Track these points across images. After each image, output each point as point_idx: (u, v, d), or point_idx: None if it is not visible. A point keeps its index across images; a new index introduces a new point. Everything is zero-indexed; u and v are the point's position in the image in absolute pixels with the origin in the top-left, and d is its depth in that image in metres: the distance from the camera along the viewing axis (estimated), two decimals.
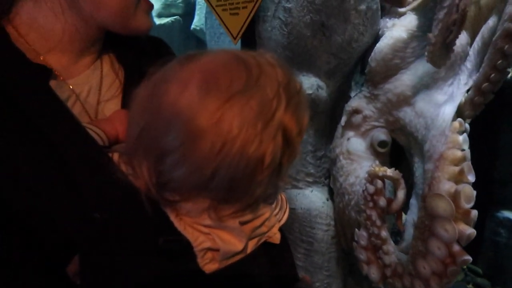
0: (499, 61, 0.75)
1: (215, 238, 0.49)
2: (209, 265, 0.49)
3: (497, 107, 1.43)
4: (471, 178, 0.73)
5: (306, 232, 1.10)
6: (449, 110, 0.82)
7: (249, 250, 0.53)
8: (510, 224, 1.45)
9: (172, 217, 0.48)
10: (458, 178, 0.73)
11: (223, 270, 0.50)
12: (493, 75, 0.78)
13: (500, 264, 1.49)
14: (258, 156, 0.46)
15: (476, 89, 0.82)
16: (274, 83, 0.48)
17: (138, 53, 0.68)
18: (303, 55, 1.01)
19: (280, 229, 0.61)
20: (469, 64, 0.87)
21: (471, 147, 0.80)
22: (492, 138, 1.30)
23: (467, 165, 0.73)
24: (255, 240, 0.54)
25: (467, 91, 0.84)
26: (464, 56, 0.88)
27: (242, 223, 0.51)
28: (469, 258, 0.71)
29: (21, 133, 0.47)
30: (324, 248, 1.08)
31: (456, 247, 0.72)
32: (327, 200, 1.09)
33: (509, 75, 1.37)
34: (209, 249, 0.49)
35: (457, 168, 0.74)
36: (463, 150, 0.75)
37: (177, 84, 0.47)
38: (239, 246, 0.50)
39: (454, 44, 0.71)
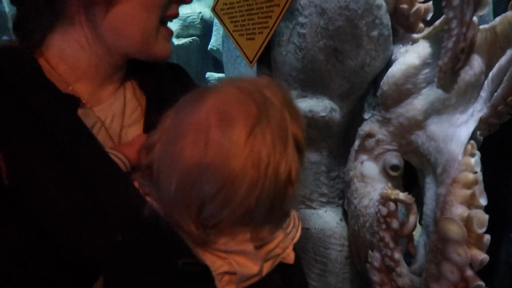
0: None
1: (232, 262, 0.51)
2: (226, 287, 0.51)
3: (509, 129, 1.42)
4: (483, 201, 0.73)
5: (320, 252, 1.11)
6: (463, 135, 0.83)
7: (264, 272, 0.55)
8: None
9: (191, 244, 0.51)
10: (470, 202, 0.74)
11: None
12: (510, 97, 0.79)
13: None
14: (287, 173, 0.50)
15: (492, 110, 0.83)
16: (277, 103, 0.52)
17: (158, 79, 0.71)
18: (316, 79, 1.04)
19: (294, 249, 0.63)
20: (484, 92, 0.89)
21: (485, 168, 0.81)
22: (507, 159, 1.29)
23: (479, 188, 0.74)
24: (270, 262, 0.56)
25: None
26: (478, 84, 0.90)
27: (257, 247, 0.53)
28: (482, 283, 0.72)
29: (51, 158, 0.51)
30: (338, 269, 1.09)
31: (469, 272, 0.73)
32: (341, 220, 1.10)
33: None
34: (226, 272, 0.51)
35: (469, 192, 0.75)
36: (475, 172, 0.76)
37: (197, 133, 0.49)
38: (255, 269, 0.53)
39: (462, 68, 0.73)
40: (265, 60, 1.13)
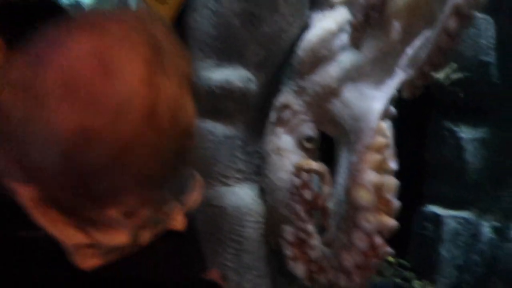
0: (444, 41, 0.74)
1: (92, 232, 0.43)
2: (88, 261, 0.43)
3: (425, 108, 1.49)
4: (393, 165, 0.73)
5: (235, 230, 1.06)
6: (378, 104, 0.82)
7: (143, 240, 0.48)
8: (435, 219, 1.51)
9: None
10: (381, 167, 0.73)
11: (111, 265, 0.44)
12: (436, 56, 0.77)
13: (426, 258, 1.55)
14: (188, 124, 0.45)
15: (418, 71, 0.79)
16: (168, 43, 0.44)
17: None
18: (232, 46, 0.98)
19: (190, 217, 0.56)
20: (403, 60, 0.87)
21: (399, 144, 0.81)
22: (419, 136, 1.35)
23: (389, 152, 0.73)
24: (150, 229, 0.49)
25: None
26: (395, 53, 0.89)
27: (128, 213, 0.46)
28: (390, 251, 0.71)
29: None
30: (253, 247, 1.05)
31: (378, 240, 0.72)
32: (257, 197, 1.06)
33: (441, 76, 1.43)
34: (86, 245, 0.43)
35: (380, 157, 0.74)
36: (386, 137, 0.76)
37: (71, 89, 0.39)
38: (122, 238, 0.45)
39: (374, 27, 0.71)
40: (178, 26, 1.05)
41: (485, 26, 1.38)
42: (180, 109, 0.42)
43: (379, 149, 0.76)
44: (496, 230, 1.50)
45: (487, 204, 1.49)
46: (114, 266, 0.45)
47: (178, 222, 0.52)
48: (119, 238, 0.45)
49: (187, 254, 0.58)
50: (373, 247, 0.72)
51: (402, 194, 0.78)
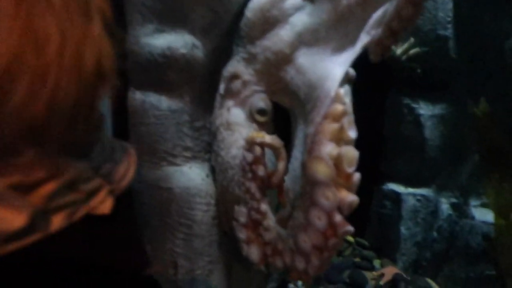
0: None
1: None
2: None
3: (383, 84, 1.44)
4: (352, 134, 0.66)
5: (184, 213, 0.96)
6: (336, 72, 0.74)
7: (53, 227, 0.37)
8: (395, 197, 1.49)
9: None
10: (339, 136, 0.66)
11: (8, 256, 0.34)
12: (406, 9, 0.69)
13: (385, 236, 1.53)
14: (95, 60, 0.35)
15: (386, 29, 0.71)
16: None
17: None
18: (175, 8, 0.87)
19: (120, 199, 0.46)
20: (368, 25, 0.79)
21: (356, 121, 0.74)
22: (377, 113, 1.31)
23: (348, 119, 0.65)
24: (63, 213, 0.38)
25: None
26: (353, 18, 0.81)
27: (26, 188, 0.35)
28: (350, 229, 0.64)
29: None
30: (204, 231, 0.96)
31: (338, 217, 0.65)
32: (207, 176, 0.96)
33: (398, 51, 1.38)
34: None
35: (338, 126, 0.66)
36: (345, 104, 0.68)
37: None
38: (16, 221, 0.34)
39: None
40: None
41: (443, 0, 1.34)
42: (78, 36, 0.32)
43: (337, 118, 0.68)
44: (454, 206, 1.50)
45: (445, 181, 1.48)
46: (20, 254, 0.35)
47: (103, 204, 0.42)
48: (10, 221, 0.34)
49: (116, 245, 0.48)
50: (332, 225, 0.65)
51: (360, 172, 0.71)
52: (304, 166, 0.71)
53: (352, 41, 0.80)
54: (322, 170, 0.65)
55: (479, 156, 1.27)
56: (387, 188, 1.50)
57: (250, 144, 0.75)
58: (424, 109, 1.40)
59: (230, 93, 0.89)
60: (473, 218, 1.47)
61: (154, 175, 0.96)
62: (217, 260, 0.99)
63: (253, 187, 0.77)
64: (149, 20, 0.90)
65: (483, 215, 1.44)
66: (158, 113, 0.94)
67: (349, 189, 0.68)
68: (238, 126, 0.88)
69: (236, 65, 0.87)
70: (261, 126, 0.91)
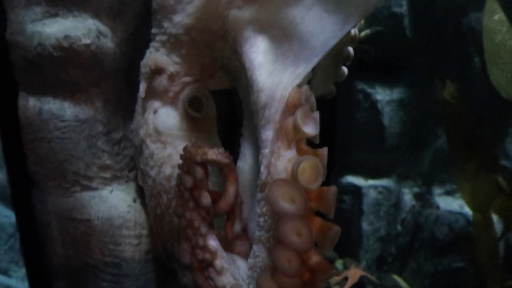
0: None
1: None
2: None
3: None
4: (309, 129, 0.49)
5: (109, 251, 0.77)
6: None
7: None
8: (353, 190, 1.38)
9: None
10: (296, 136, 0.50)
11: None
12: None
13: (346, 234, 1.42)
14: None
15: None
16: None
17: None
18: None
19: None
20: None
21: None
22: (330, 101, 1.17)
23: (301, 112, 0.49)
24: None
25: None
26: None
27: None
28: (334, 271, 0.47)
29: None
30: (137, 270, 0.78)
31: (315, 259, 0.48)
32: (134, 201, 0.76)
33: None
34: None
35: (299, 131, 0.49)
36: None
37: None
38: None
39: None
40: None
41: None
42: None
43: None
44: (417, 196, 1.41)
45: (406, 170, 1.39)
46: None
47: None
48: None
49: None
50: (309, 269, 0.48)
51: None
52: (261, 189, 0.53)
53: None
54: (288, 197, 0.48)
55: (449, 145, 1.17)
56: (345, 181, 1.38)
57: (189, 164, 0.55)
58: (381, 94, 1.28)
59: (154, 93, 0.68)
60: (437, 207, 1.40)
61: (66, 204, 0.77)
62: None
63: (196, 219, 0.58)
64: (36, 1, 0.67)
65: (448, 204, 1.37)
66: (62, 124, 0.74)
67: (326, 209, 0.51)
68: (170, 136, 0.68)
69: (155, 55, 0.66)
70: (200, 127, 0.72)
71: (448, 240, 1.35)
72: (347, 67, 0.94)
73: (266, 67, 0.56)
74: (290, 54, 0.57)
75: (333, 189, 0.51)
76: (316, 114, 0.54)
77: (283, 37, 0.58)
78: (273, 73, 0.55)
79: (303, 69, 0.55)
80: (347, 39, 0.82)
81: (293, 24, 0.57)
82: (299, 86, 0.55)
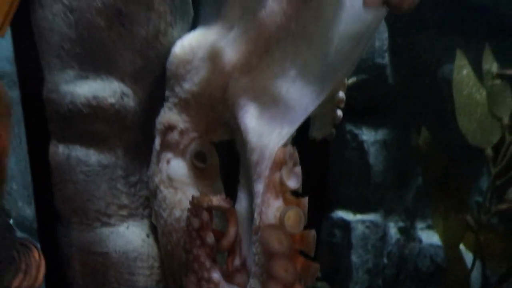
0: None
1: None
2: None
3: None
4: (292, 183, 0.61)
5: (124, 280, 0.86)
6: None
7: None
8: (343, 224, 1.46)
9: None
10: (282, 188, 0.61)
11: None
12: None
13: (337, 266, 1.50)
14: None
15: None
16: None
17: None
18: (99, 53, 0.77)
19: None
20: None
21: (301, 151, 0.69)
22: (321, 141, 1.28)
23: (286, 169, 0.60)
24: None
25: None
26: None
27: None
28: None
29: None
30: None
31: None
32: (148, 237, 0.86)
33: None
34: None
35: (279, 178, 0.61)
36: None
37: None
38: None
39: None
40: (24, 26, 0.80)
41: (380, 29, 1.36)
42: None
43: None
44: (401, 230, 1.50)
45: (392, 205, 1.48)
46: None
47: None
48: None
49: None
50: None
51: (308, 202, 0.66)
52: (255, 232, 0.64)
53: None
54: (277, 240, 0.59)
55: (424, 186, 1.28)
56: (336, 216, 1.47)
57: (196, 209, 0.67)
58: (367, 135, 1.39)
59: (167, 146, 0.80)
60: (420, 241, 1.49)
61: (86, 238, 0.86)
62: None
63: (202, 255, 0.68)
64: (69, 64, 0.79)
65: (429, 237, 1.46)
66: (86, 169, 0.83)
67: (307, 250, 0.62)
68: (180, 183, 0.79)
69: (169, 114, 0.78)
70: (205, 175, 0.83)
71: (429, 272, 1.44)
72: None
73: (257, 130, 0.67)
74: (277, 118, 0.68)
75: (312, 233, 0.62)
76: (298, 169, 0.64)
77: (271, 103, 0.69)
78: (263, 135, 0.66)
79: (287, 131, 0.65)
80: (338, 86, 0.93)
81: (280, 93, 0.69)
82: (284, 145, 0.66)
